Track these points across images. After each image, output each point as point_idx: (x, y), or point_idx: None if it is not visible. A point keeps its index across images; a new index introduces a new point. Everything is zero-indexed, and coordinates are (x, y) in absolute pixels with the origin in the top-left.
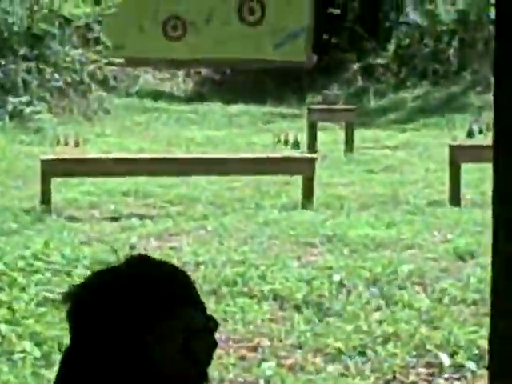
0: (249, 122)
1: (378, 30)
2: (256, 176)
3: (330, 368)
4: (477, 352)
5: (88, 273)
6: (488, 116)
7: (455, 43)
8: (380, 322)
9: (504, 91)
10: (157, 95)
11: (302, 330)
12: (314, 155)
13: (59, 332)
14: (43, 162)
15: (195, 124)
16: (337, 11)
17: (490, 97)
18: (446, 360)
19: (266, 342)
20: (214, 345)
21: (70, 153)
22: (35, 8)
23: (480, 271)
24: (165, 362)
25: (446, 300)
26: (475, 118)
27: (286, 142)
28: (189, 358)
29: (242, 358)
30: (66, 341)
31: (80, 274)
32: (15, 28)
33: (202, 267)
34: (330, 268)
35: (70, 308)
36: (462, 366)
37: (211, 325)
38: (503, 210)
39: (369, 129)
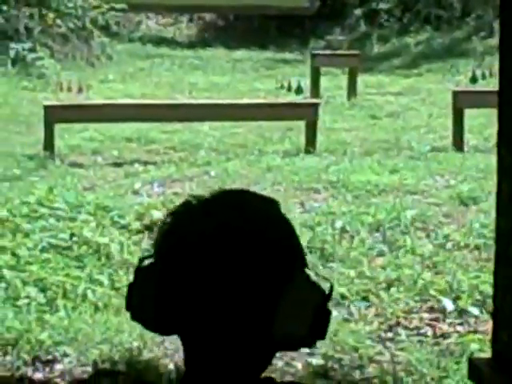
0: (252, 68)
1: None
2: (259, 122)
3: (334, 313)
4: (479, 297)
5: (91, 219)
6: (491, 61)
7: None
8: (383, 268)
9: (509, 37)
10: (160, 41)
11: None
12: (317, 100)
13: (63, 278)
14: (46, 107)
15: (198, 70)
16: None
17: (494, 42)
18: (449, 305)
19: None
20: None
21: (72, 99)
22: None
23: (483, 216)
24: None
25: (448, 245)
26: (478, 63)
27: (289, 88)
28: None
29: None
30: (70, 287)
31: (83, 219)
32: None
33: None
34: (333, 214)
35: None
36: (465, 310)
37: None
38: (508, 154)
39: (372, 74)
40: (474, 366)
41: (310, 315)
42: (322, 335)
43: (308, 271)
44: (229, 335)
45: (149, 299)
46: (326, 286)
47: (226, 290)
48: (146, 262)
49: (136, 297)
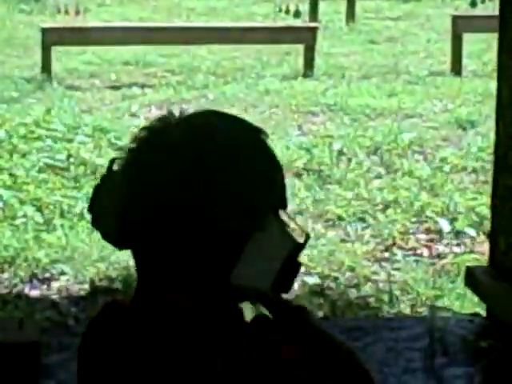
0: None
1: None
2: (257, 45)
3: (331, 234)
4: (476, 219)
5: (88, 141)
6: None
7: None
8: (380, 190)
9: None
10: None
11: (302, 196)
12: (316, 24)
13: (60, 198)
14: (44, 30)
15: None
16: None
17: None
18: (445, 226)
19: None
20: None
21: (70, 22)
22: None
23: (481, 140)
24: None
25: (446, 168)
26: None
27: (287, 12)
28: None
29: None
30: (67, 207)
31: (81, 141)
32: None
33: None
34: (331, 136)
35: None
36: (462, 232)
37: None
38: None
39: None
40: (471, 273)
41: (276, 268)
42: (285, 289)
43: (284, 217)
44: (184, 264)
45: (112, 210)
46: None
47: (190, 218)
48: (115, 168)
49: (99, 203)
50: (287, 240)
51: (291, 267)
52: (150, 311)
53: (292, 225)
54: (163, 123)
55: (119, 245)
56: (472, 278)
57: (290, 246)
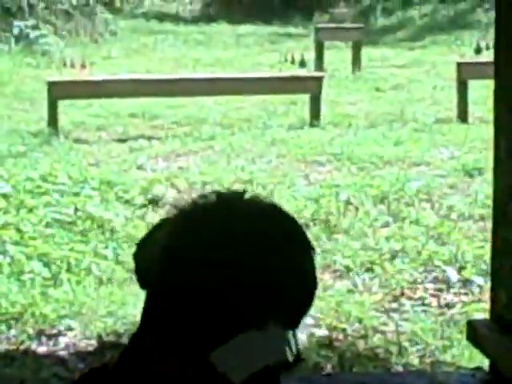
0: (256, 43)
1: None
2: (263, 96)
3: (338, 284)
4: (484, 267)
5: (95, 194)
6: None
7: None
8: (387, 239)
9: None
10: (163, 16)
11: None
12: (321, 74)
13: (68, 252)
14: (50, 84)
15: (202, 45)
16: None
17: None
18: (453, 275)
19: None
20: None
21: (76, 75)
22: None
23: (487, 187)
24: None
25: (453, 216)
26: (482, 34)
27: (293, 62)
28: None
29: None
30: (74, 261)
31: (88, 194)
32: None
33: (210, 187)
34: (338, 186)
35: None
36: (470, 280)
37: None
38: (504, 111)
39: (376, 47)
40: (472, 327)
41: (251, 371)
42: None
43: (287, 332)
44: (184, 330)
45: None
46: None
47: (221, 297)
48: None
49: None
50: (278, 352)
51: (266, 379)
52: (135, 371)
53: (291, 342)
54: (223, 201)
55: (142, 282)
56: (473, 331)
57: (277, 358)
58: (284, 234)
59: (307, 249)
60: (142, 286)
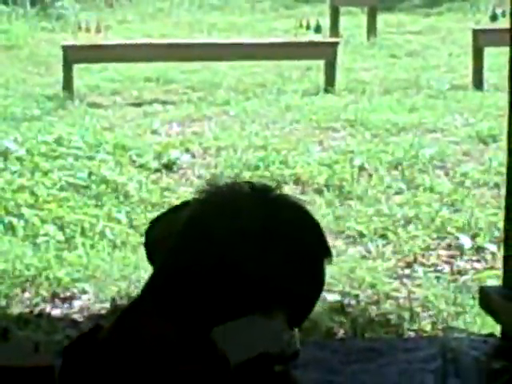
0: (271, 8)
1: None
2: (278, 61)
3: (351, 250)
4: (497, 234)
5: (110, 158)
6: None
7: None
8: (401, 206)
9: None
10: None
11: (323, 213)
12: (336, 39)
13: (82, 216)
14: (65, 47)
15: (217, 10)
16: None
17: None
18: (466, 242)
19: None
20: None
21: (92, 39)
22: None
23: (502, 154)
24: None
25: (467, 183)
26: (499, 1)
27: (308, 27)
28: None
29: None
30: (88, 225)
31: (102, 158)
32: None
33: (224, 152)
34: (352, 152)
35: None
36: (483, 248)
37: None
38: None
39: (392, 13)
40: (485, 293)
41: (246, 356)
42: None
43: (289, 327)
44: (190, 300)
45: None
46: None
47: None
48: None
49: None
50: (278, 343)
51: (260, 366)
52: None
53: (292, 338)
54: (236, 190)
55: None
56: (485, 298)
57: (276, 349)
58: (307, 237)
59: (325, 254)
60: (151, 260)
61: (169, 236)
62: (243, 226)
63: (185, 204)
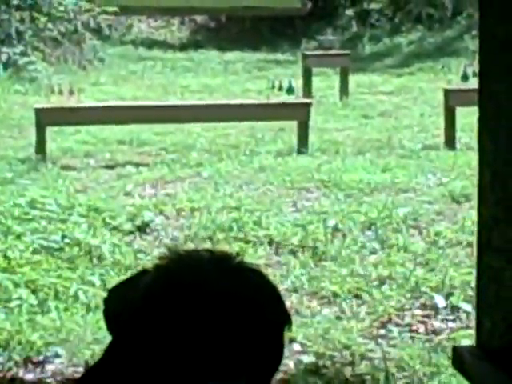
0: (244, 69)
1: None
2: (251, 122)
3: (326, 311)
4: (472, 293)
5: (83, 221)
6: None
7: None
8: (375, 266)
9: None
10: (151, 43)
11: (297, 274)
12: (309, 100)
13: (55, 279)
14: (38, 110)
15: (190, 72)
16: None
17: None
18: (441, 302)
19: None
20: None
21: (64, 102)
22: None
23: (474, 214)
24: None
25: (441, 242)
26: (470, 61)
27: (281, 88)
28: None
29: None
30: (62, 288)
31: (75, 221)
32: None
33: (198, 214)
34: (325, 213)
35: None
36: (457, 307)
37: None
38: (488, 142)
39: (364, 74)
40: (458, 353)
41: None
42: None
43: None
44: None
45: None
46: None
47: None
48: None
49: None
50: None
51: None
52: None
53: None
54: (194, 262)
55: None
56: (458, 358)
57: None
58: (267, 305)
59: (285, 321)
60: (111, 329)
61: (126, 309)
62: (200, 300)
63: (143, 273)
